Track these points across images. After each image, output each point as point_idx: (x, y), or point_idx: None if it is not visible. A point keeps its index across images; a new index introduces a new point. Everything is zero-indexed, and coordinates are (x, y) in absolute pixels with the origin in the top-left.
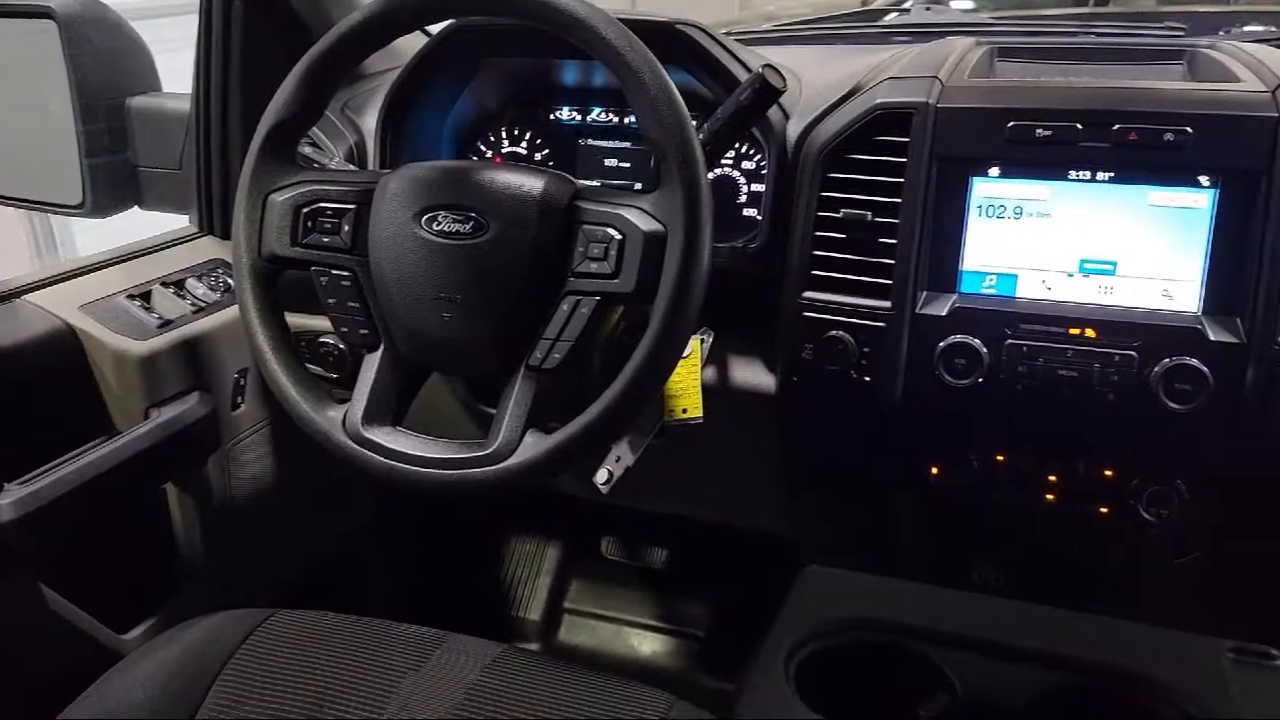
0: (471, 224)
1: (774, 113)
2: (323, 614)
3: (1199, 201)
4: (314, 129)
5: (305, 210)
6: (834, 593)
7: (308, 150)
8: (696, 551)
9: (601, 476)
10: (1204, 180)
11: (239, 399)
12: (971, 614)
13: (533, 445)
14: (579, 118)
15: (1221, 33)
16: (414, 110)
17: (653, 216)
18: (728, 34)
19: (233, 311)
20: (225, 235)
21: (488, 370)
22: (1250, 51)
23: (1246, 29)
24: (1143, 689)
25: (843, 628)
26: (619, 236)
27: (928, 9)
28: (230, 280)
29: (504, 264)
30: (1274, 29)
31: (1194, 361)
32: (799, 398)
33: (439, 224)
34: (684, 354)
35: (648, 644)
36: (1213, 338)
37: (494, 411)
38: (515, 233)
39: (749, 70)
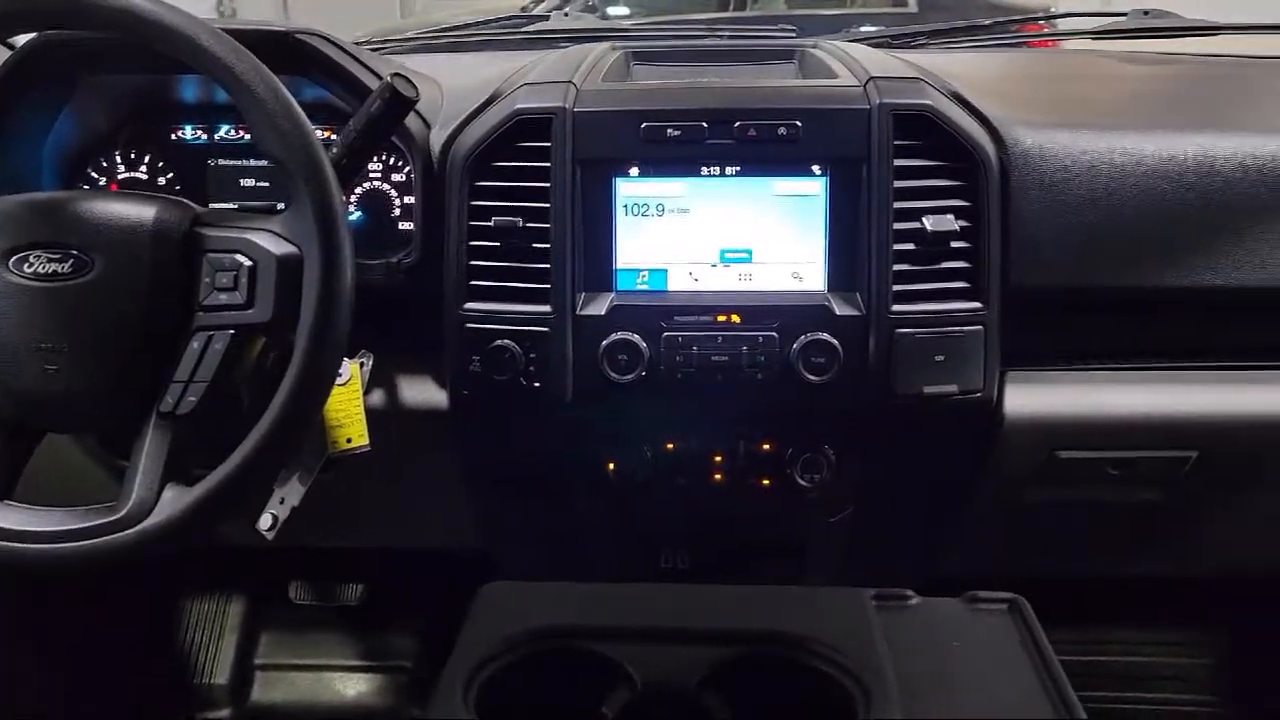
0: (72, 262)
1: (415, 122)
2: None
3: (814, 189)
4: None
5: None
6: (512, 607)
7: None
8: (394, 581)
9: (265, 522)
10: (816, 169)
11: None
12: (645, 604)
13: (173, 501)
14: (206, 136)
15: (843, 32)
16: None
17: (284, 238)
18: (367, 42)
19: None
20: None
21: (110, 424)
22: (847, 50)
23: (863, 29)
24: (799, 648)
25: (521, 641)
26: (249, 263)
27: (565, 14)
28: None
29: (115, 305)
30: (881, 28)
31: (825, 336)
32: (472, 411)
33: (31, 265)
34: (341, 380)
35: (353, 685)
36: (838, 313)
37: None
38: (125, 269)
39: (381, 79)
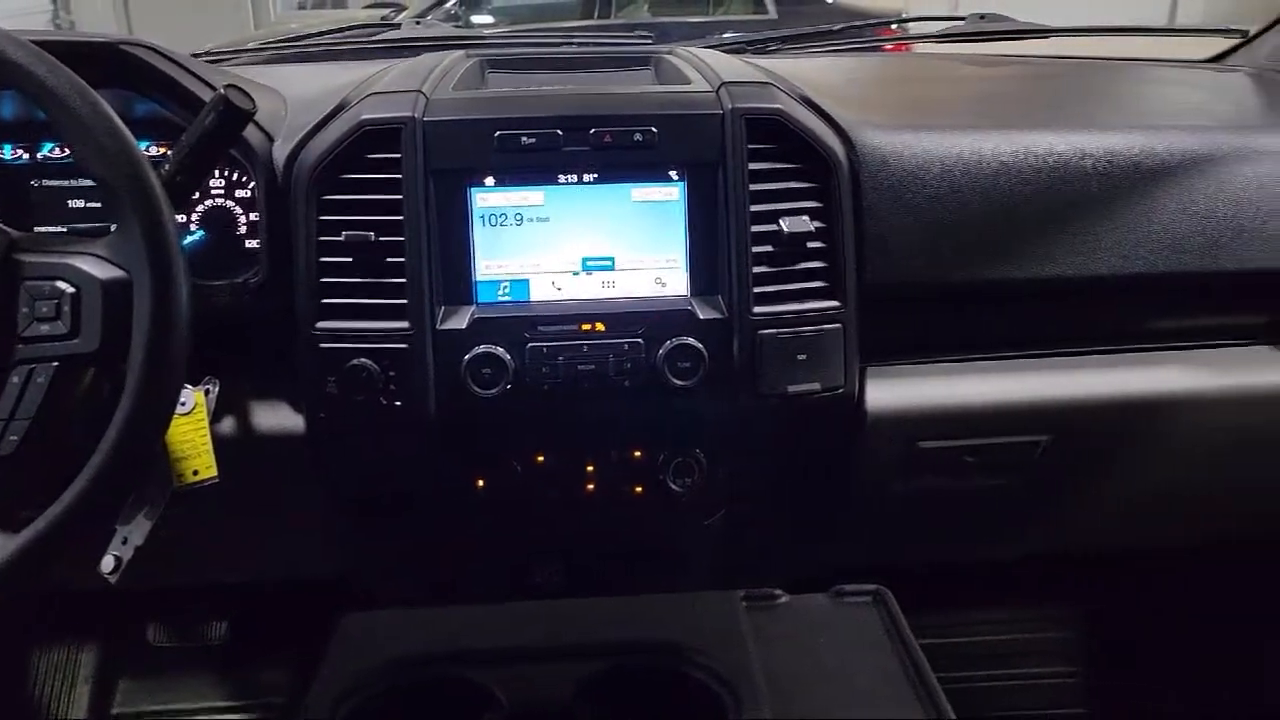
0: None
1: (255, 135)
2: None
3: (672, 194)
4: None
5: None
6: (373, 638)
7: None
8: (259, 616)
9: (108, 564)
10: (673, 175)
11: None
12: (513, 624)
13: None
14: (27, 155)
15: (700, 39)
16: None
17: (111, 262)
18: (208, 54)
19: None
20: None
21: None
22: (701, 56)
23: (726, 36)
24: (669, 656)
25: (383, 674)
26: (71, 290)
27: (418, 23)
28: None
29: None
30: (739, 34)
31: (690, 340)
32: (330, 434)
33: None
34: (184, 410)
35: None
36: (701, 316)
37: None
38: None
39: (216, 91)
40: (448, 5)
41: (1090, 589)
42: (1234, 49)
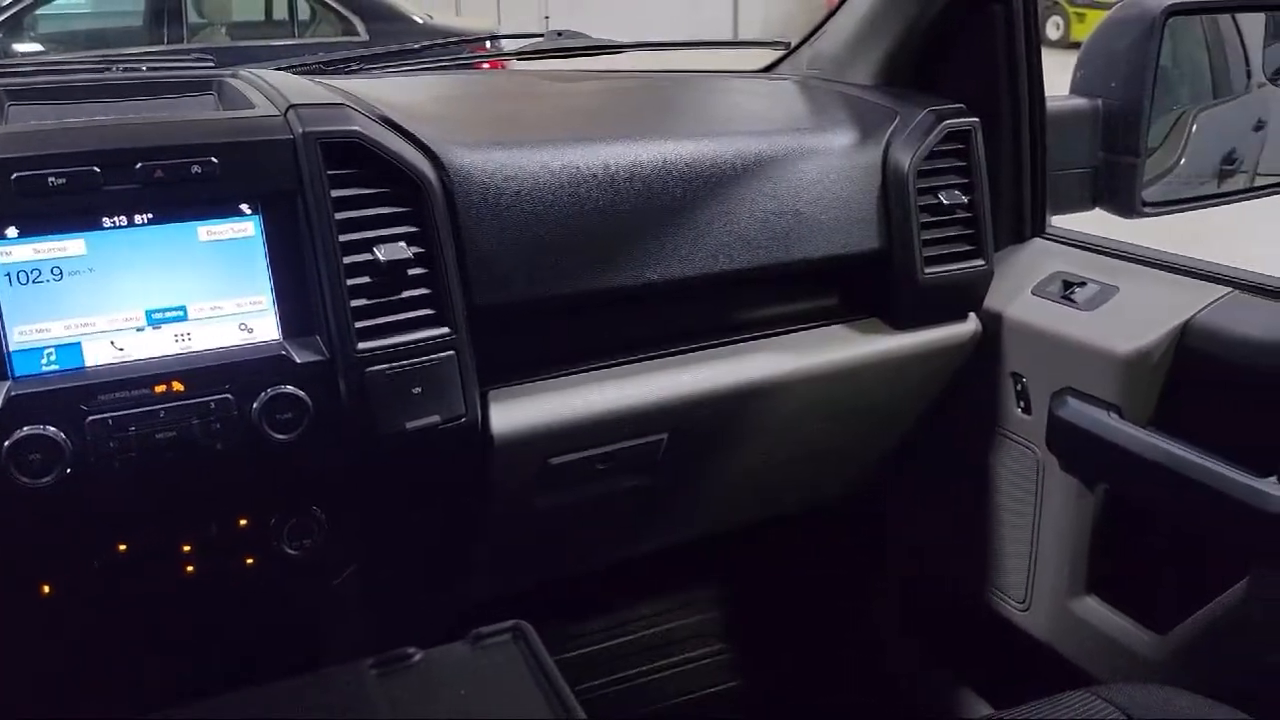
0: None
1: None
2: None
3: (246, 230)
4: None
5: None
6: None
7: None
8: None
9: None
10: (245, 208)
11: None
12: None
13: None
14: None
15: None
16: None
17: None
18: None
19: None
20: None
21: None
22: (267, 78)
23: (301, 58)
24: None
25: None
26: None
27: None
28: None
29: None
30: (316, 57)
31: (288, 388)
32: None
33: None
34: None
35: None
36: (299, 360)
37: None
38: None
39: None
40: None
41: (727, 566)
42: (781, 59)
